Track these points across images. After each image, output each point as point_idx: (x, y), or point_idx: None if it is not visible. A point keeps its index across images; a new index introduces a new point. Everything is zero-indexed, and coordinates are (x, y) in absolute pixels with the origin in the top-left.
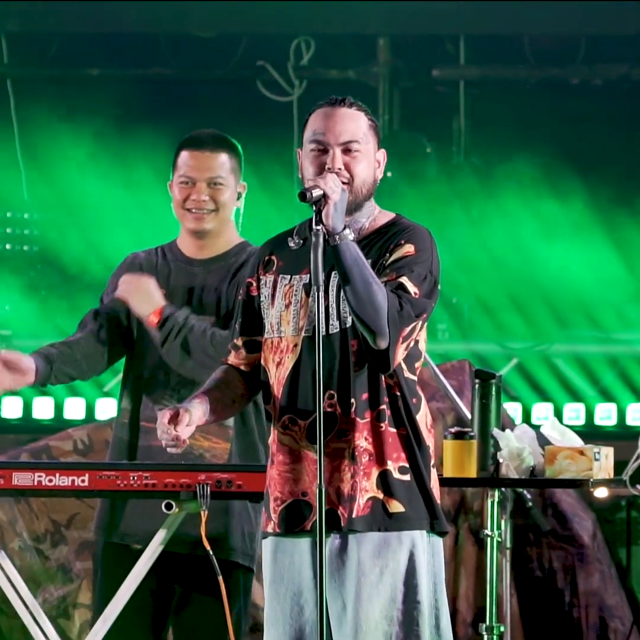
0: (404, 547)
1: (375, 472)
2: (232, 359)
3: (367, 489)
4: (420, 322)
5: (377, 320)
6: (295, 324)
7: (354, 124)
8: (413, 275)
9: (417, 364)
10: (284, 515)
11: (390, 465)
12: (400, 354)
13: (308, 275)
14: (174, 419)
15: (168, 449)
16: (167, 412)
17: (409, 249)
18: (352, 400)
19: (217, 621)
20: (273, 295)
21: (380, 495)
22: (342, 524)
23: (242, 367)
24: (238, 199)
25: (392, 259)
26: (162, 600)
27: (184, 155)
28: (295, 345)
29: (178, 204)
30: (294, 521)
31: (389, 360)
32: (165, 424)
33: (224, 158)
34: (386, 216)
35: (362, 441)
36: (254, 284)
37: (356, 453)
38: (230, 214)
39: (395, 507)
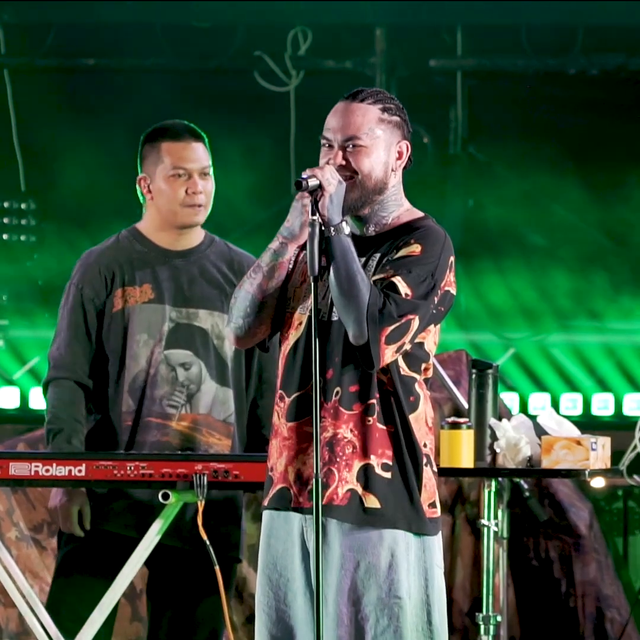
0: (385, 543)
1: (357, 465)
2: None
3: (347, 480)
4: (415, 324)
5: (357, 316)
6: (304, 302)
7: (359, 118)
8: (410, 276)
9: (423, 365)
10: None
11: (374, 460)
12: (387, 354)
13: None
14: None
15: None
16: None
17: (415, 248)
18: (337, 388)
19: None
20: (293, 269)
21: (359, 489)
22: (291, 505)
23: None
24: None
25: (396, 256)
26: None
27: (168, 147)
28: (300, 323)
29: (173, 199)
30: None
31: (371, 358)
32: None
33: (203, 148)
34: (412, 214)
35: (347, 432)
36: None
37: (335, 442)
38: None
39: (371, 502)
